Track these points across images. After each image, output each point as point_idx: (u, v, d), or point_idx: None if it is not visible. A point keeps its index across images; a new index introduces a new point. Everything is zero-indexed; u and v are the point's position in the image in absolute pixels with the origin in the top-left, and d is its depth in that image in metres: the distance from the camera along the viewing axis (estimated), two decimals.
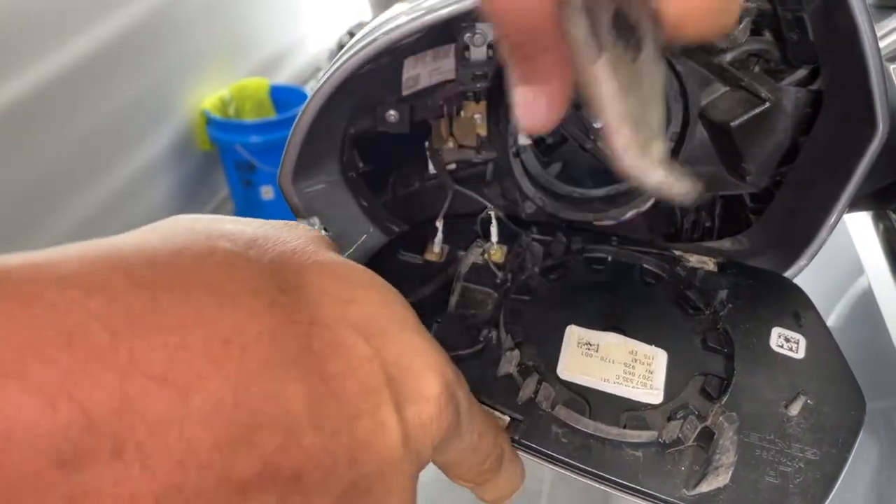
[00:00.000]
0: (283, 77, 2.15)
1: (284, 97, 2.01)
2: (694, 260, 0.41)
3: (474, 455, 0.29)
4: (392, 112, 0.44)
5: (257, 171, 1.88)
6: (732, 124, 0.43)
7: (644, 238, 0.48)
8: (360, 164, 0.43)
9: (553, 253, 0.41)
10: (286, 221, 0.26)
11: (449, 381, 0.25)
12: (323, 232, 0.31)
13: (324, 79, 0.37)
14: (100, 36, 1.49)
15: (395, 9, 0.39)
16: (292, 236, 0.25)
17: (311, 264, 0.24)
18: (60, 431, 0.16)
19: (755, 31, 0.43)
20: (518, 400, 0.34)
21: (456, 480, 0.31)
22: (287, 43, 2.19)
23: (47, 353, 0.16)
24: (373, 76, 0.39)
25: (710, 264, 0.41)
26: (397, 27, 0.36)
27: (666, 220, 0.49)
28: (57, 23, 1.39)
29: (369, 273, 0.26)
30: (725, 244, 0.46)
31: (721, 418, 0.32)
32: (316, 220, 0.36)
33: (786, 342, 0.37)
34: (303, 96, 1.99)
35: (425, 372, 0.25)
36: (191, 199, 1.91)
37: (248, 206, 1.97)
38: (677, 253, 0.42)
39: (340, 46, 2.25)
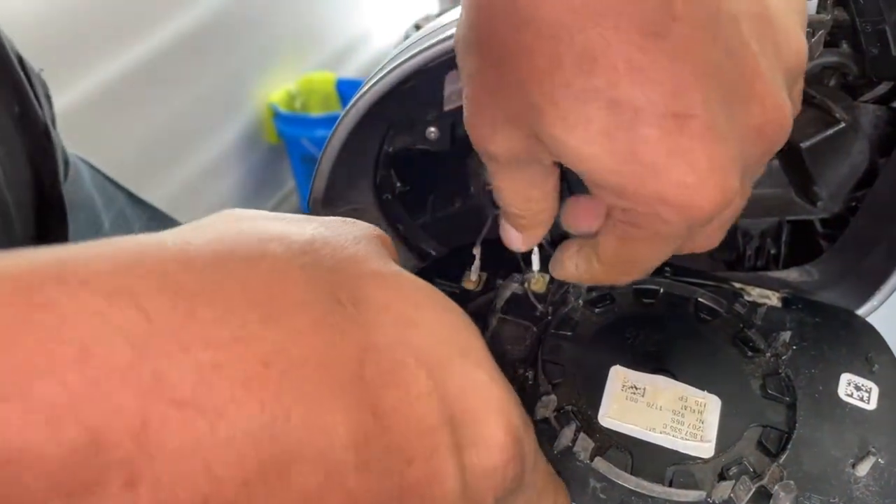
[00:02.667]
0: (350, 71, 2.15)
1: (350, 91, 2.01)
2: (755, 294, 0.38)
3: None
4: (432, 129, 0.41)
5: None
6: (803, 145, 0.40)
7: (703, 266, 0.45)
8: (398, 185, 0.41)
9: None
10: (344, 219, 0.24)
11: (516, 426, 0.22)
12: None
13: (355, 98, 0.35)
14: (170, 33, 1.51)
15: (445, 18, 0.37)
16: (352, 239, 0.22)
17: (372, 275, 0.22)
18: (66, 458, 0.14)
19: (831, 43, 0.39)
20: (554, 449, 0.32)
21: None
22: (353, 36, 2.19)
23: (56, 371, 0.14)
24: (411, 92, 0.37)
25: (773, 299, 0.38)
26: (437, 43, 0.34)
27: (727, 245, 0.45)
28: (128, 20, 1.42)
29: (437, 292, 0.23)
30: (792, 275, 0.42)
31: (777, 486, 0.29)
32: None
33: (856, 391, 0.34)
34: None
35: (490, 415, 0.22)
36: (257, 191, 1.93)
37: None
38: (737, 285, 0.38)
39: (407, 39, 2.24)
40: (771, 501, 0.29)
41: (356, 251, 0.22)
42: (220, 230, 0.20)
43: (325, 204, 0.36)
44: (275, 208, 2.05)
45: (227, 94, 1.77)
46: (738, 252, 0.45)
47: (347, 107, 0.35)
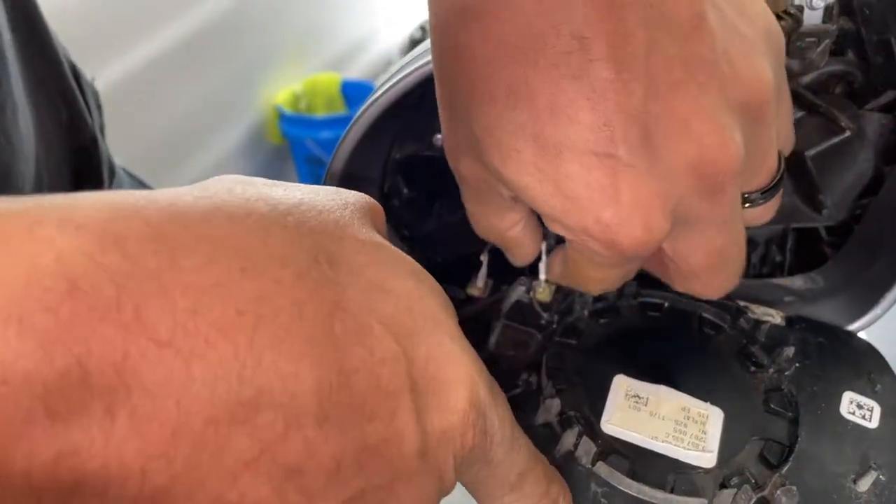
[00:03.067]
0: (355, 72, 2.16)
1: (355, 92, 2.02)
2: (759, 312, 0.38)
3: (513, 495, 0.27)
4: (439, 136, 0.42)
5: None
6: (808, 153, 0.40)
7: None
8: (405, 191, 0.42)
9: (605, 295, 0.38)
10: (338, 189, 0.25)
11: (479, 398, 0.23)
12: None
13: (367, 105, 0.35)
14: (175, 33, 1.51)
15: None
16: (340, 204, 0.23)
17: (352, 240, 0.22)
18: (55, 382, 0.15)
19: (837, 52, 0.39)
20: (556, 452, 0.32)
21: None
22: (358, 37, 2.19)
23: (48, 302, 0.15)
24: (420, 99, 0.37)
25: (776, 317, 0.38)
26: None
27: None
28: (132, 21, 1.42)
29: (412, 263, 0.24)
30: (797, 282, 0.42)
31: (779, 491, 0.29)
32: None
33: (858, 409, 0.34)
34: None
35: (454, 384, 0.22)
36: None
37: None
38: (741, 303, 0.38)
39: (412, 41, 2.24)
40: None
41: (341, 216, 0.23)
42: (211, 190, 0.21)
43: None
44: None
45: (232, 95, 1.77)
46: None
47: (357, 114, 0.35)
